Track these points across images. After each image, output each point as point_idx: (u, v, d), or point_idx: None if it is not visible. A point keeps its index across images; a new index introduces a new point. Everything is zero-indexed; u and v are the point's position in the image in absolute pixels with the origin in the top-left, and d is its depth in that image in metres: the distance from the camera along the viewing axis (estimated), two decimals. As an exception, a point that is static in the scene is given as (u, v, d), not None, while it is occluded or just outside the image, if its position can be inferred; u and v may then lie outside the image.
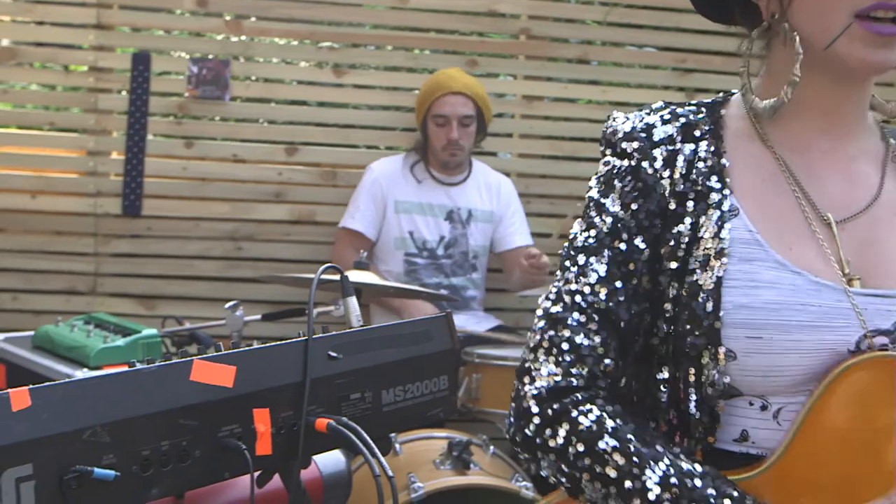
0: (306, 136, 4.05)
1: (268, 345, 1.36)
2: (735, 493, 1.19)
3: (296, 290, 3.84)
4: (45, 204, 3.87)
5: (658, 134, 1.30)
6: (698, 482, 1.19)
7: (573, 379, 1.25)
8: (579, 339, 1.26)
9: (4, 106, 4.08)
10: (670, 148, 1.29)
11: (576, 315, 1.27)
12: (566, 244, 1.33)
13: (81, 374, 2.34)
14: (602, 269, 1.28)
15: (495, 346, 3.30)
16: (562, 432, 1.24)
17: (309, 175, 4.02)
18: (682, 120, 1.31)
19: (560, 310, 1.28)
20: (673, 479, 1.19)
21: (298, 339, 1.38)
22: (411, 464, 2.70)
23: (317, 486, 1.62)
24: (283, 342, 1.37)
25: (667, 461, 1.21)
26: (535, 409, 1.26)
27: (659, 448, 1.22)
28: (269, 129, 4.14)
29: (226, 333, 2.93)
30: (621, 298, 1.27)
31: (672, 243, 1.26)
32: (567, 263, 1.31)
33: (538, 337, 1.29)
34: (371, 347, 1.46)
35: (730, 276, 1.22)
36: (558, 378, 1.25)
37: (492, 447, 2.87)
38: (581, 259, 1.29)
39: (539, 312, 1.31)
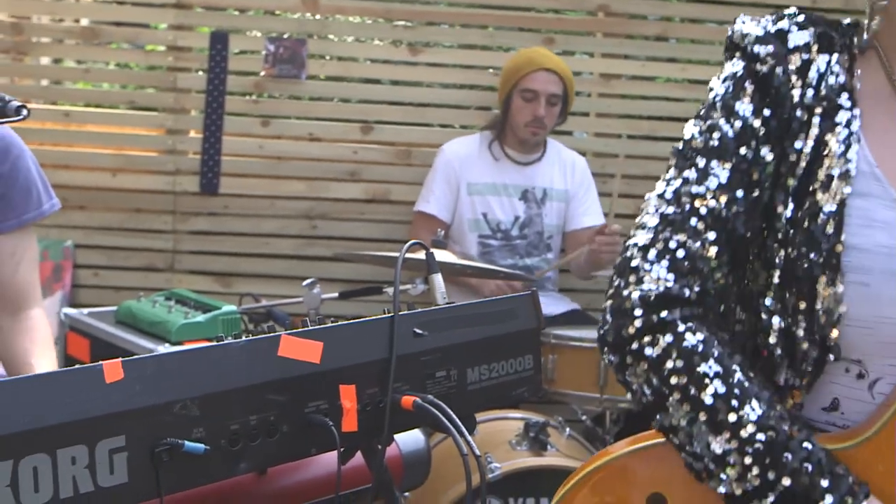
0: (381, 114, 4.05)
1: (354, 321, 1.35)
2: (824, 455, 1.13)
3: (370, 268, 3.85)
4: (125, 182, 3.92)
5: (793, 40, 1.22)
6: (796, 432, 1.14)
7: (686, 290, 1.18)
8: (696, 246, 1.18)
9: (86, 85, 4.15)
10: (805, 56, 1.21)
11: (693, 221, 1.19)
12: (680, 144, 1.26)
13: (164, 348, 2.37)
14: (724, 176, 1.19)
15: (572, 328, 3.27)
16: (662, 343, 1.17)
17: (384, 154, 4.01)
18: (819, 28, 1.23)
19: (677, 211, 1.20)
20: (771, 422, 1.13)
21: (384, 315, 1.37)
22: (487, 444, 2.69)
23: (397, 465, 1.62)
24: (370, 318, 1.36)
25: (767, 402, 1.15)
26: (637, 312, 1.18)
27: (761, 387, 1.16)
28: (344, 108, 4.14)
29: (303, 311, 2.95)
30: (741, 209, 1.19)
31: (793, 158, 1.19)
32: (685, 163, 1.22)
33: (650, 236, 1.20)
34: (456, 325, 1.44)
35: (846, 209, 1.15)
36: (670, 284, 1.18)
37: (567, 429, 2.84)
38: (701, 161, 1.21)
39: (650, 209, 1.23)
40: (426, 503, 2.46)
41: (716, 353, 1.16)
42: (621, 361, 1.21)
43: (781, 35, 1.22)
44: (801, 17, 1.24)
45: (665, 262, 1.18)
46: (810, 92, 1.20)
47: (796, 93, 1.20)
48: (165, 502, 1.13)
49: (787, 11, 1.26)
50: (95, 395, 1.07)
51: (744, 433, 1.12)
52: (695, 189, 1.20)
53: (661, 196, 1.23)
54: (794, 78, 1.21)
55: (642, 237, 1.21)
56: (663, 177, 1.26)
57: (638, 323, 1.18)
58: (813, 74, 1.21)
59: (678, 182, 1.22)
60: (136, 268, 3.94)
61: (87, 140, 3.97)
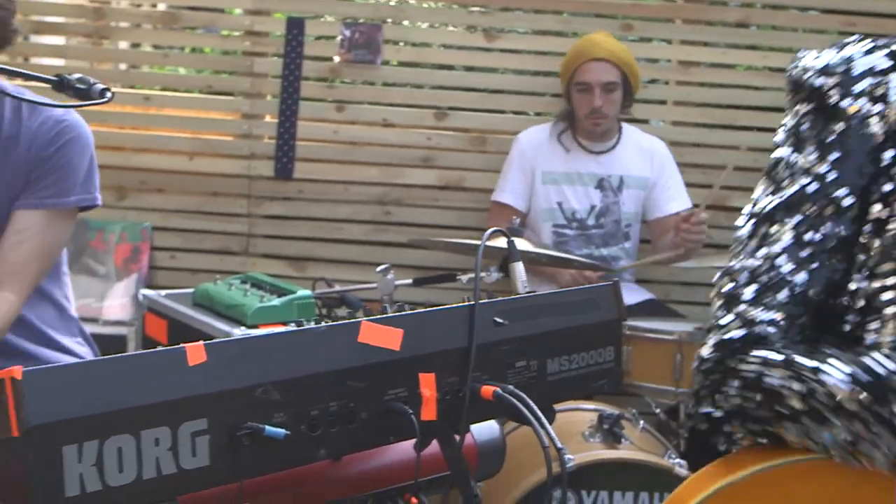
0: (455, 100, 4.03)
1: (434, 308, 1.34)
2: None
3: (442, 255, 3.84)
4: (201, 165, 3.96)
5: (859, 66, 1.17)
6: None
7: (783, 320, 1.19)
8: (796, 277, 1.18)
9: (163, 70, 4.19)
10: (875, 80, 1.16)
11: (790, 243, 1.19)
12: (770, 164, 1.23)
13: (239, 331, 2.38)
14: (817, 198, 1.18)
15: (647, 319, 3.22)
16: (772, 380, 1.18)
17: (458, 140, 3.99)
18: (891, 48, 1.18)
19: (771, 232, 1.20)
20: None
21: (465, 303, 1.35)
22: (559, 435, 2.63)
23: (471, 454, 1.60)
24: (450, 306, 1.35)
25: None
26: (738, 345, 1.19)
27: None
28: (418, 94, 4.13)
29: (376, 297, 2.95)
30: (814, 266, 1.18)
31: (883, 192, 1.16)
32: (775, 185, 1.21)
33: (753, 263, 1.20)
34: (537, 315, 1.42)
35: None
36: (772, 317, 1.19)
37: (641, 422, 2.80)
38: (792, 183, 1.19)
39: (745, 233, 1.21)
40: (499, 493, 2.44)
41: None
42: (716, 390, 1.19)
43: (847, 62, 1.18)
44: (867, 43, 1.18)
45: (766, 294, 1.19)
46: (893, 115, 1.15)
47: (874, 121, 1.16)
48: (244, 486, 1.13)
49: (849, 39, 1.21)
50: (178, 377, 1.08)
51: None
52: (789, 210, 1.20)
53: (757, 221, 1.20)
54: (866, 105, 1.17)
55: (740, 269, 1.19)
56: (755, 197, 1.23)
57: (742, 358, 1.18)
58: (894, 97, 1.16)
59: (771, 204, 1.21)
60: (211, 251, 3.98)
61: (166, 124, 4.02)
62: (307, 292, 2.54)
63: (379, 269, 2.77)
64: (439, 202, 3.98)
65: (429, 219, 3.97)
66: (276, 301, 2.47)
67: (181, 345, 1.09)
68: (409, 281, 2.92)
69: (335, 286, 3.13)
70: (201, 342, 1.10)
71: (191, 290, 2.73)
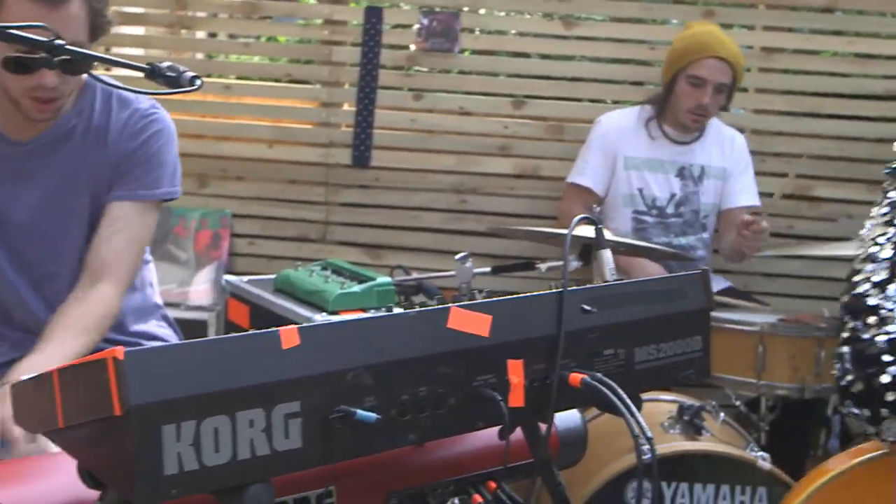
0: (532, 89, 4.01)
1: (522, 295, 1.34)
2: None
3: (518, 243, 3.83)
4: (280, 153, 4.01)
5: None
6: None
7: None
8: None
9: (241, 58, 4.24)
10: None
11: None
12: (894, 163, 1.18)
13: (321, 317, 2.41)
14: None
15: (726, 310, 3.17)
16: None
17: (534, 129, 3.97)
18: None
19: None
20: None
21: (553, 290, 1.35)
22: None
23: (553, 442, 1.59)
24: (538, 293, 1.35)
25: None
26: (888, 358, 1.13)
27: None
28: (495, 82, 4.12)
29: (453, 285, 2.95)
30: None
31: None
32: None
33: (887, 269, 1.14)
34: (625, 303, 1.41)
35: None
36: None
37: (722, 414, 2.76)
38: None
39: (877, 237, 1.17)
40: (578, 482, 2.43)
41: None
42: (874, 415, 1.13)
43: None
44: None
45: None
46: None
47: None
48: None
49: None
50: (273, 360, 1.09)
51: None
52: None
53: (889, 222, 1.14)
54: None
55: (877, 272, 1.13)
56: (881, 201, 1.17)
57: (893, 370, 1.10)
58: None
59: None
60: (289, 238, 4.03)
61: (246, 112, 4.06)
62: (387, 279, 2.56)
63: (458, 256, 2.78)
64: (515, 191, 3.97)
65: (504, 207, 3.96)
66: (356, 288, 2.48)
67: (275, 328, 1.10)
68: (488, 269, 2.92)
69: (412, 274, 3.14)
70: (295, 326, 1.11)
71: (272, 277, 2.76)
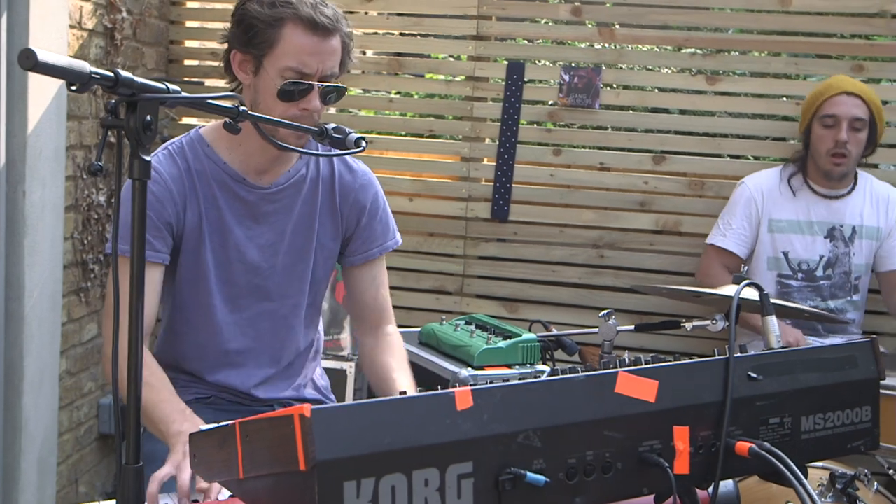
0: (673, 144, 3.99)
1: (688, 361, 1.33)
2: None
3: (658, 300, 3.79)
4: (421, 206, 4.08)
5: None
6: None
7: None
8: None
9: (390, 114, 4.34)
10: None
11: None
12: None
13: (466, 372, 2.43)
14: None
15: (879, 374, 3.05)
16: None
17: (675, 184, 3.94)
18: None
19: None
20: None
21: (719, 357, 1.34)
22: (787, 493, 2.55)
23: (707, 508, 1.57)
24: (704, 359, 1.34)
25: None
26: None
27: None
28: (636, 137, 4.11)
29: (595, 341, 2.94)
30: None
31: None
32: None
33: None
34: (792, 370, 1.39)
35: None
36: None
37: (875, 483, 2.65)
38: None
39: None
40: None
41: None
42: None
43: None
44: None
45: None
46: None
47: None
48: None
49: None
50: (447, 420, 1.11)
51: None
52: None
53: None
54: None
55: None
56: None
57: None
58: None
59: None
60: (427, 290, 4.08)
61: (389, 166, 4.14)
62: (531, 335, 2.57)
63: (602, 314, 2.77)
64: (655, 246, 3.94)
65: (644, 263, 3.93)
66: (501, 343, 2.51)
67: (450, 389, 1.13)
68: (631, 327, 2.89)
69: (552, 329, 3.15)
70: (469, 387, 1.13)
71: (417, 329, 2.81)
